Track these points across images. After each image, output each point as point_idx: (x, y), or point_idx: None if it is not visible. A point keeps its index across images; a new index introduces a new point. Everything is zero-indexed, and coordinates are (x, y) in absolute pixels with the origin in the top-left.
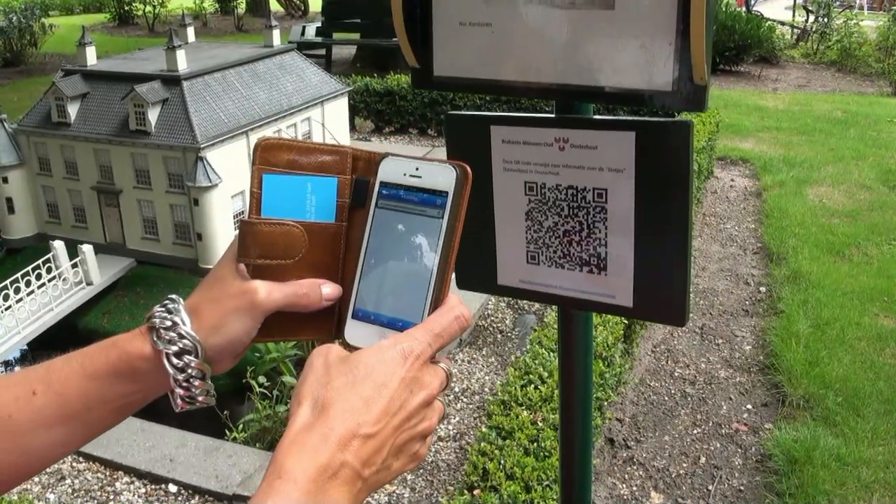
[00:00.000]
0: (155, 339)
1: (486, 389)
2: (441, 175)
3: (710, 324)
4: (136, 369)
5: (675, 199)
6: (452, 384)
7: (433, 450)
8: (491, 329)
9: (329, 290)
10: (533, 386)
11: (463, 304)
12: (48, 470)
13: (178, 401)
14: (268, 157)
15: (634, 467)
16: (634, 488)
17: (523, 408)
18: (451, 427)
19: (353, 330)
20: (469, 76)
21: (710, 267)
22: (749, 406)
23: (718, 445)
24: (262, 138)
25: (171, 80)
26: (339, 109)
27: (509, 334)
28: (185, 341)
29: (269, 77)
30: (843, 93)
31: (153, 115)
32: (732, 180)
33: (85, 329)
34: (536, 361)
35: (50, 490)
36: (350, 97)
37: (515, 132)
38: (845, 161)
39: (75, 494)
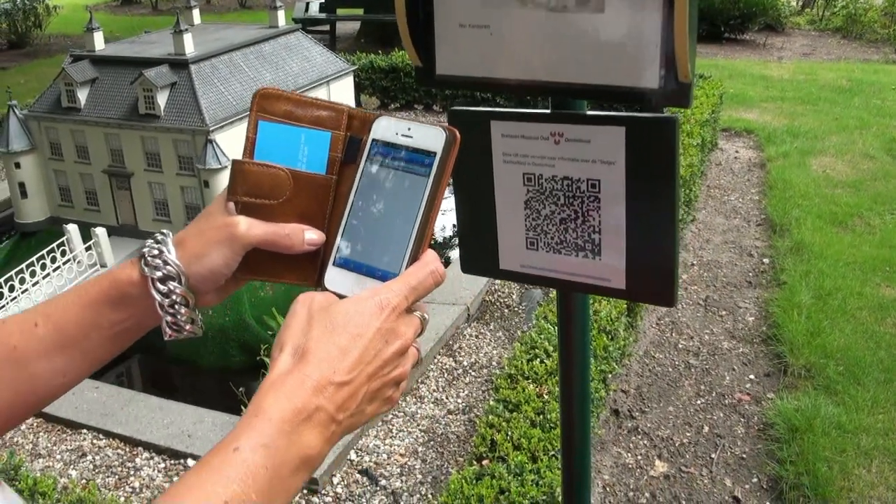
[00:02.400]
0: (143, 265)
1: (494, 363)
2: (431, 136)
3: (713, 296)
4: (126, 295)
5: (663, 189)
6: (461, 358)
7: (443, 422)
8: (498, 304)
9: (312, 235)
10: (539, 360)
11: (438, 260)
12: (69, 447)
13: (166, 328)
14: (265, 106)
15: (639, 437)
16: (639, 457)
17: (529, 381)
18: (460, 400)
19: (333, 276)
20: (469, 74)
21: (714, 239)
22: (752, 376)
23: (721, 415)
24: (262, 87)
25: (179, 64)
26: (344, 88)
27: (516, 309)
28: (168, 268)
29: (275, 58)
30: (848, 60)
31: (162, 98)
32: (737, 152)
33: None
34: (542, 336)
35: (72, 467)
36: (355, 75)
37: (514, 127)
38: (849, 130)
39: (97, 470)
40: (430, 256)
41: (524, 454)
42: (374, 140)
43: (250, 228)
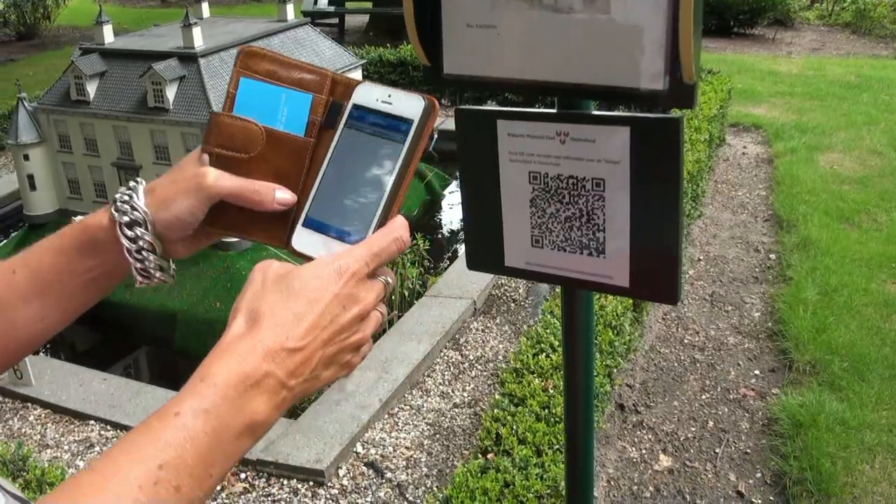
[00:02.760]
0: (112, 210)
1: (500, 357)
2: (410, 104)
3: (719, 291)
4: (97, 240)
5: (667, 189)
6: (467, 352)
7: (449, 416)
8: (505, 298)
9: (284, 195)
10: (544, 354)
11: (405, 228)
12: (77, 438)
13: (136, 274)
14: (249, 63)
15: (644, 431)
16: (644, 451)
17: (535, 375)
18: (465, 394)
19: (301, 237)
20: (476, 74)
21: (721, 234)
22: (757, 372)
23: (726, 410)
24: (246, 45)
25: (188, 58)
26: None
27: (522, 303)
28: (136, 213)
29: (284, 52)
30: (857, 56)
31: (171, 92)
32: (745, 147)
33: (108, 302)
34: (548, 331)
35: (80, 458)
36: (363, 68)
37: (520, 126)
38: (857, 126)
39: None
40: (396, 223)
41: (529, 448)
42: (354, 105)
43: (218, 180)
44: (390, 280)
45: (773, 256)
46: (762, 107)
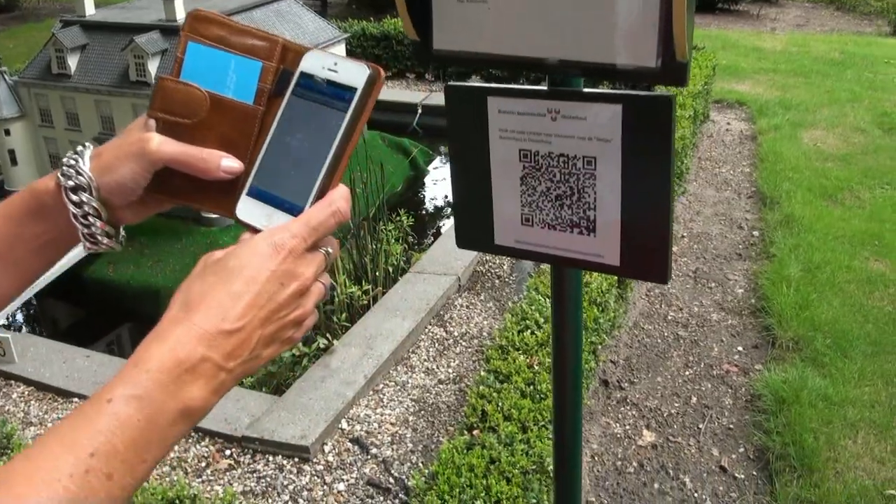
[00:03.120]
0: (59, 175)
1: (485, 334)
2: (355, 73)
3: (703, 268)
4: (44, 205)
5: (658, 167)
6: (452, 329)
7: (433, 392)
8: (489, 275)
9: (230, 163)
10: (529, 331)
11: (345, 198)
12: (61, 416)
13: (83, 240)
14: (198, 28)
15: (627, 407)
16: (627, 427)
17: (520, 352)
18: (450, 370)
19: (245, 206)
20: (466, 50)
21: (705, 211)
22: (740, 348)
23: (709, 386)
24: (195, 9)
25: (170, 31)
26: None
27: (507, 280)
28: (80, 177)
29: (267, 25)
30: (841, 32)
31: (153, 65)
32: (728, 124)
33: (91, 279)
34: (533, 307)
35: None
36: (346, 42)
37: (511, 103)
38: (841, 104)
39: None
40: (336, 194)
41: (514, 424)
42: (301, 72)
43: (162, 145)
44: (331, 250)
45: (756, 233)
46: (746, 83)
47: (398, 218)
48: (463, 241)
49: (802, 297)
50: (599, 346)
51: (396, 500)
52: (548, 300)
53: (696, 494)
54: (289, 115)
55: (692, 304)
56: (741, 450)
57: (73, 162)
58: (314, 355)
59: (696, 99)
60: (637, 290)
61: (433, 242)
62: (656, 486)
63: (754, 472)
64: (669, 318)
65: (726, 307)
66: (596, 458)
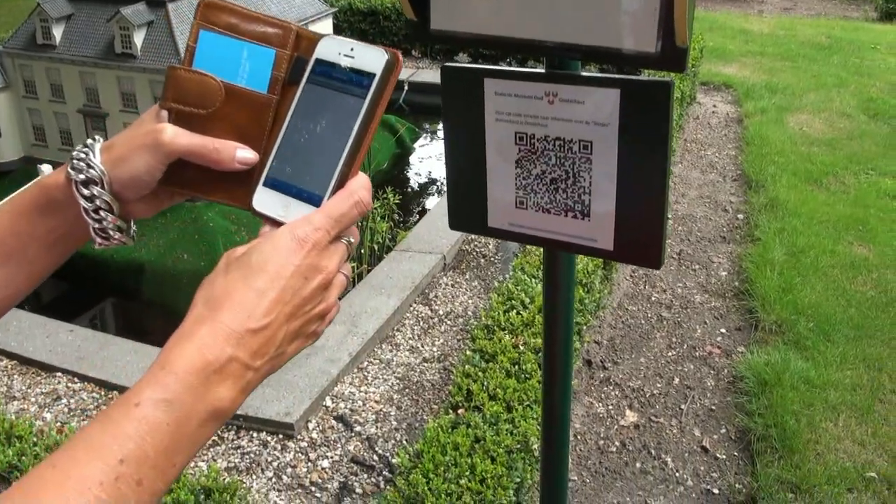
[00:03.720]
0: (69, 168)
1: (470, 313)
2: (372, 58)
3: (687, 250)
4: (54, 200)
5: (655, 153)
6: (437, 307)
7: (418, 370)
8: (474, 254)
9: (245, 154)
10: (515, 311)
11: (366, 188)
12: (44, 390)
13: (94, 235)
14: (209, 16)
15: (611, 387)
16: (610, 407)
17: (506, 332)
18: (435, 349)
19: (262, 197)
20: (464, 31)
21: (690, 193)
22: (723, 330)
23: (692, 367)
24: None
25: (156, 3)
26: (323, 30)
27: (492, 259)
28: (91, 171)
29: (252, 2)
30: (828, 17)
31: (139, 37)
32: (715, 106)
33: (80, 253)
34: (519, 288)
35: (47, 410)
36: (334, 17)
37: (508, 85)
38: (827, 88)
39: (71, 413)
40: (356, 184)
41: (500, 404)
42: (317, 59)
43: (176, 137)
44: (353, 239)
45: (740, 216)
46: (733, 66)
47: (384, 196)
48: (456, 222)
49: (786, 280)
50: (584, 327)
51: (380, 478)
52: (533, 280)
53: (677, 474)
54: (305, 103)
55: (676, 286)
56: (723, 430)
57: (83, 155)
58: None
59: (684, 81)
60: (622, 272)
61: (419, 220)
62: (638, 465)
63: (735, 453)
64: (653, 299)
65: (710, 289)
66: (578, 438)
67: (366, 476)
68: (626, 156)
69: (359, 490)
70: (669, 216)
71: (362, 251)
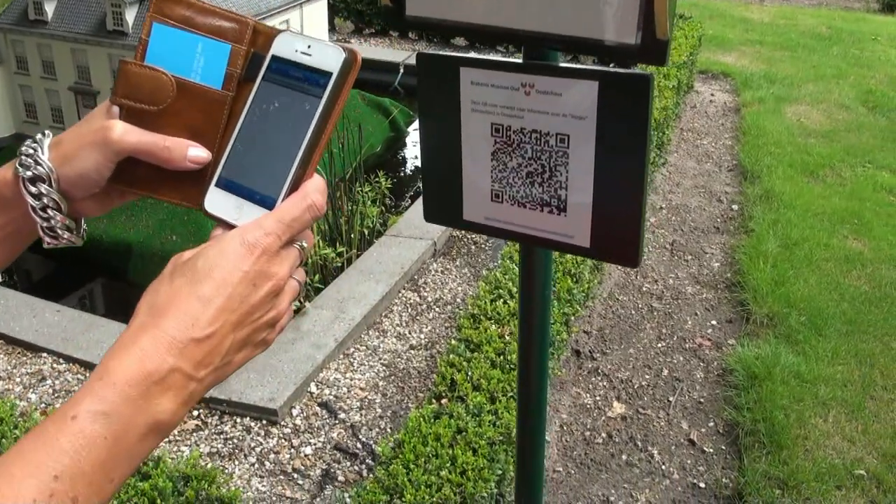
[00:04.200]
0: (17, 165)
1: (458, 300)
2: (330, 56)
3: (680, 240)
4: (4, 197)
5: (634, 149)
6: (426, 294)
7: (405, 357)
8: (465, 240)
9: (198, 153)
10: (502, 300)
11: (320, 191)
12: (29, 371)
13: (42, 234)
14: (163, 8)
15: (599, 378)
16: (598, 398)
17: (492, 322)
18: (422, 336)
19: (214, 198)
20: (439, 17)
21: (685, 183)
22: (714, 322)
23: (681, 359)
24: None
25: None
26: (318, 10)
27: (483, 246)
28: (39, 168)
29: None
30: (829, 7)
31: (130, 15)
32: (712, 95)
33: None
34: (507, 277)
35: (31, 390)
36: None
37: (484, 75)
38: (826, 79)
39: (56, 394)
40: (311, 186)
41: (483, 395)
42: (273, 56)
43: (125, 134)
44: (306, 244)
45: (735, 207)
46: (732, 55)
47: (376, 179)
48: (431, 215)
49: (779, 273)
50: (572, 317)
51: (363, 466)
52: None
53: (663, 467)
54: (260, 102)
55: (668, 277)
56: (711, 424)
57: (31, 151)
58: None
59: (681, 69)
60: None
61: (410, 205)
62: (624, 457)
63: (723, 447)
64: (644, 289)
65: (702, 280)
66: (564, 428)
67: (349, 464)
68: (604, 151)
69: (341, 478)
70: (663, 206)
71: (352, 236)
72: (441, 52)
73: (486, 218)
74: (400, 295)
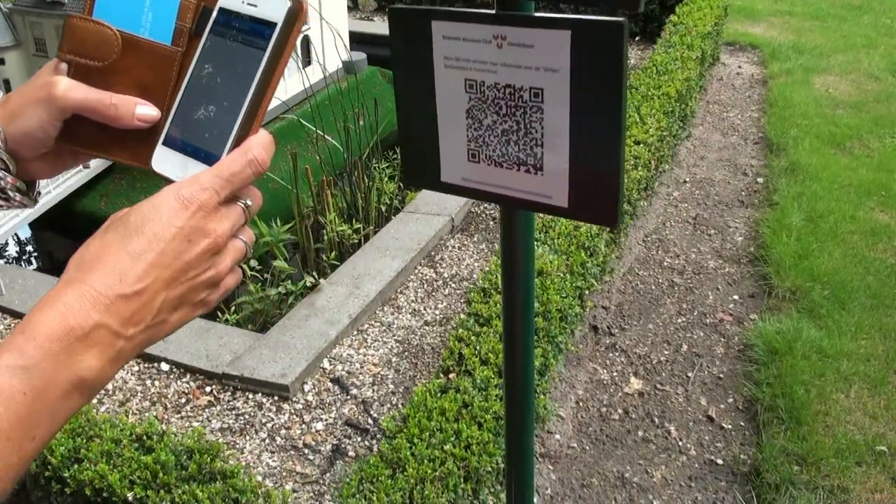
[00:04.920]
0: None
1: (475, 276)
2: (274, 6)
3: (703, 214)
4: None
5: (609, 102)
6: (442, 270)
7: (419, 334)
8: (483, 216)
9: (146, 110)
10: None
11: (263, 145)
12: None
13: None
14: None
15: (616, 353)
16: (615, 374)
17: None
18: (437, 312)
19: (161, 156)
20: None
21: (710, 156)
22: (735, 297)
23: (701, 334)
24: None
25: None
26: None
27: None
28: None
29: None
30: None
31: None
32: (740, 67)
33: (83, 211)
34: None
35: None
36: None
37: (456, 28)
38: (856, 49)
39: None
40: (254, 141)
41: (490, 369)
42: (220, 8)
43: (69, 90)
44: (251, 202)
45: (760, 180)
46: (760, 25)
47: (394, 156)
48: (409, 178)
49: (803, 246)
50: (586, 292)
51: (374, 441)
52: (535, 243)
53: (680, 443)
54: (206, 56)
55: (689, 251)
56: (730, 400)
57: None
58: (301, 293)
59: (706, 40)
60: (633, 236)
61: None
62: (640, 433)
63: (742, 423)
64: (665, 264)
65: (724, 255)
66: (580, 405)
67: (359, 439)
68: (579, 105)
69: (351, 453)
70: (687, 179)
71: (370, 212)
72: (412, 7)
73: (464, 179)
74: (416, 271)
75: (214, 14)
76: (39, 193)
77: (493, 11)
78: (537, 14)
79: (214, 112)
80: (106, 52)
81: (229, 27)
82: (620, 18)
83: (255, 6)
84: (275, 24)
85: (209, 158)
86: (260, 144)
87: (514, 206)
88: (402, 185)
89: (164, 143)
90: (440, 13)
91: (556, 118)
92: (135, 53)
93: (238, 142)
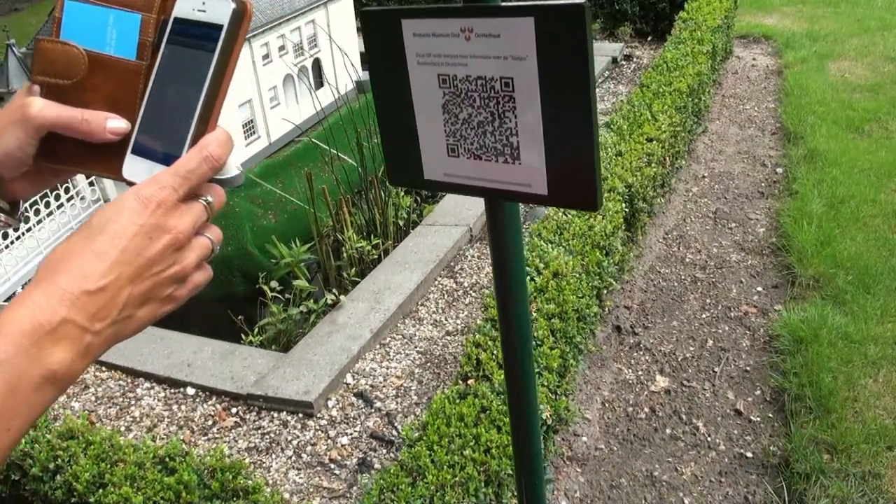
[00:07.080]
0: None
1: None
2: (220, 9)
3: (724, 208)
4: None
5: (578, 85)
6: (462, 280)
7: (440, 344)
8: None
9: (117, 123)
10: (529, 277)
11: (218, 142)
12: None
13: None
14: None
15: (641, 353)
16: (640, 373)
17: None
18: (458, 321)
19: (130, 165)
20: None
21: (727, 150)
22: (759, 288)
23: (726, 328)
24: None
25: None
26: (344, 9)
27: (522, 226)
28: None
29: None
30: None
31: None
32: (754, 59)
33: None
34: (533, 254)
35: (75, 399)
36: None
37: (425, 25)
38: (871, 32)
39: (98, 402)
40: (210, 138)
41: None
42: (175, 18)
43: (43, 109)
44: (212, 199)
45: (779, 170)
46: (773, 16)
47: None
48: (395, 177)
49: (825, 233)
50: (604, 291)
51: (399, 453)
52: (549, 245)
53: (709, 439)
54: (165, 65)
55: (711, 246)
56: (757, 392)
57: None
58: (322, 311)
59: (716, 34)
60: (653, 234)
61: (445, 195)
62: (668, 431)
63: (770, 415)
64: (687, 260)
65: (746, 247)
66: (606, 406)
67: (384, 451)
68: (549, 90)
69: (377, 465)
70: (706, 174)
71: (388, 227)
72: (382, 8)
73: (446, 174)
74: (436, 282)
75: (170, 24)
76: (24, 213)
77: (459, 5)
78: (500, 4)
79: (173, 116)
80: (74, 70)
81: (184, 35)
82: (581, 1)
83: (204, 11)
84: (221, 27)
85: (169, 160)
86: (215, 141)
87: (497, 198)
88: (418, 199)
89: (133, 152)
90: (409, 11)
91: (528, 106)
92: (102, 70)
93: (195, 140)
